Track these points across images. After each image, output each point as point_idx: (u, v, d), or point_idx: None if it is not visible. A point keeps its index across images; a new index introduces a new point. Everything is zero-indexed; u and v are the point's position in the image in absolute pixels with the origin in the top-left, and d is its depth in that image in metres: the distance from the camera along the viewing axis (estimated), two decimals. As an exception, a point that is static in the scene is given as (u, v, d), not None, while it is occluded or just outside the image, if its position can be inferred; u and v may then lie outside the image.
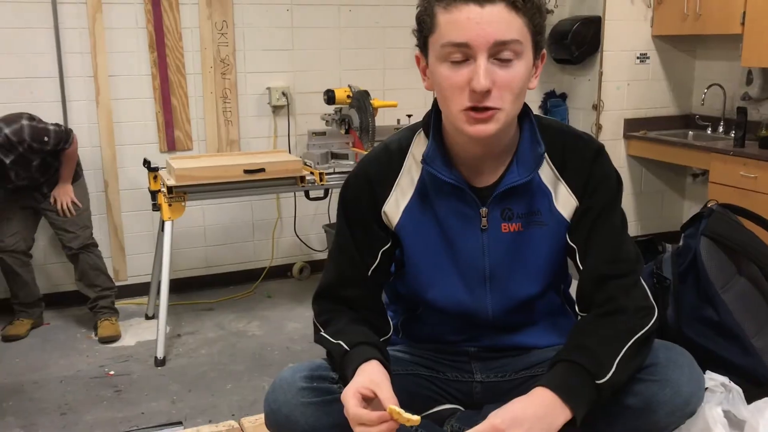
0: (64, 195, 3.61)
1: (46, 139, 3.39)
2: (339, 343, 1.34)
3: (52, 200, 3.60)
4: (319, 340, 1.42)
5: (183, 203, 3.41)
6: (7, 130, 3.28)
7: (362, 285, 1.41)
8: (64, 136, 3.48)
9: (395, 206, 1.38)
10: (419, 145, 1.42)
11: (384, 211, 1.39)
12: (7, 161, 3.33)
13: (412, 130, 1.46)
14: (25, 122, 3.34)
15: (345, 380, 1.30)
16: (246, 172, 3.46)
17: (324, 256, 4.46)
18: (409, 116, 4.05)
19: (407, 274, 1.44)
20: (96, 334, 3.66)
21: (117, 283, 4.00)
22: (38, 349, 3.56)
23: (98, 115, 3.97)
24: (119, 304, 3.95)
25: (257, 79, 4.27)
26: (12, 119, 3.34)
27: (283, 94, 4.29)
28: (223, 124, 4.25)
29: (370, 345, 1.32)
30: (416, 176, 1.39)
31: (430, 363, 1.50)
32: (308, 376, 1.35)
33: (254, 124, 4.32)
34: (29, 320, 3.75)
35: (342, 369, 1.33)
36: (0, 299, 3.88)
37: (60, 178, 3.60)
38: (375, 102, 3.80)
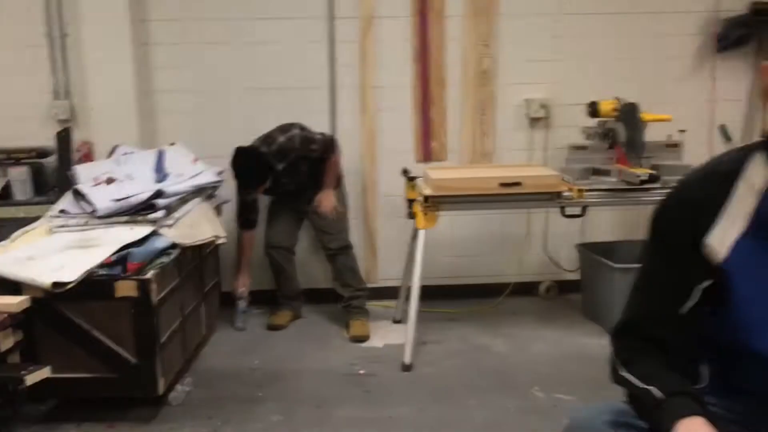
0: (327, 200, 3.83)
1: (313, 147, 3.64)
2: (649, 389, 1.18)
3: (316, 204, 3.82)
4: (619, 380, 1.27)
5: (437, 213, 3.42)
6: (281, 139, 3.57)
7: (673, 324, 1.23)
8: (329, 145, 3.70)
9: (721, 238, 1.18)
10: (756, 171, 1.20)
11: (707, 243, 1.19)
12: (280, 167, 3.61)
13: (742, 152, 1.24)
14: (296, 131, 3.62)
15: None
16: (502, 185, 3.38)
17: (574, 276, 4.23)
18: (682, 131, 3.69)
19: (730, 318, 1.23)
20: (348, 333, 3.82)
21: (369, 285, 4.15)
22: (297, 340, 3.80)
23: (362, 124, 4.15)
24: (370, 306, 4.08)
25: (516, 91, 4.18)
26: (286, 128, 3.63)
27: (542, 106, 4.15)
28: (479, 135, 4.22)
29: (690, 397, 1.14)
30: (750, 206, 1.18)
31: (751, 422, 1.27)
32: (613, 422, 1.20)
33: (510, 137, 4.24)
34: (290, 312, 4.02)
35: (654, 419, 1.16)
36: (267, 290, 4.21)
37: (323, 185, 3.82)
38: (645, 116, 3.51)
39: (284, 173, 3.68)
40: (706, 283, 1.20)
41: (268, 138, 3.64)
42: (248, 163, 3.59)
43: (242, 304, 3.94)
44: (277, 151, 3.61)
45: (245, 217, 3.85)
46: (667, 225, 1.24)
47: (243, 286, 3.95)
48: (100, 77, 3.83)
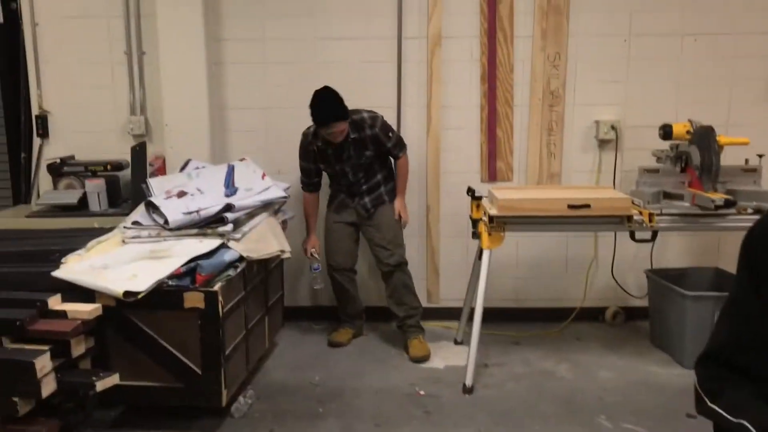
0: (403, 209, 3.88)
1: (390, 134, 3.74)
2: (741, 423, 1.11)
3: (396, 214, 3.85)
4: (707, 412, 1.20)
5: (502, 233, 3.38)
6: (365, 114, 3.68)
7: (761, 354, 1.16)
8: (402, 143, 3.82)
9: None
10: None
11: None
12: (352, 136, 3.63)
13: None
14: (380, 116, 3.72)
15: None
16: (570, 207, 3.31)
17: (642, 303, 4.10)
18: (761, 156, 3.54)
19: None
20: (408, 353, 3.78)
21: (430, 305, 4.12)
22: (357, 358, 3.79)
23: (428, 143, 4.14)
24: (430, 326, 4.06)
25: (585, 112, 4.11)
26: (371, 111, 3.75)
27: (612, 127, 4.06)
28: (545, 156, 4.16)
29: None
30: None
31: None
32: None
33: (578, 158, 4.16)
34: (352, 330, 4.02)
35: None
36: (328, 307, 4.23)
37: (397, 191, 3.88)
38: (721, 139, 3.39)
39: (354, 145, 3.66)
40: None
41: (354, 109, 3.67)
42: (329, 96, 3.53)
43: (314, 264, 3.93)
44: (358, 121, 3.64)
45: (309, 180, 3.85)
46: (758, 252, 1.17)
47: (313, 247, 3.93)
48: (175, 94, 3.94)
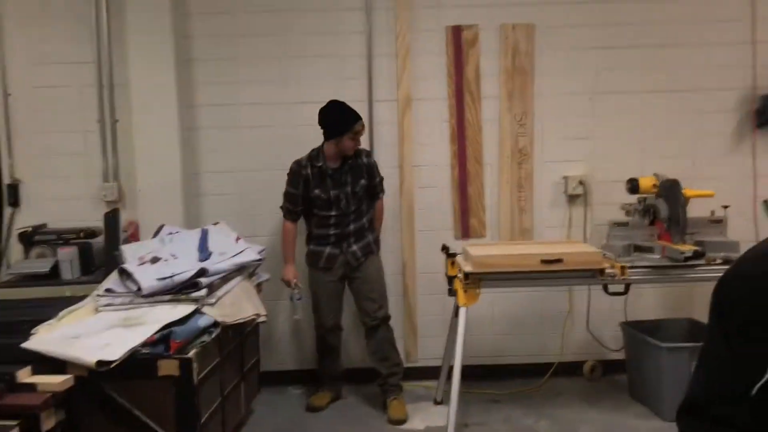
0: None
1: (379, 172, 3.86)
2: None
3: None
4: None
5: (478, 290, 3.38)
6: (364, 148, 3.86)
7: (742, 404, 1.16)
8: (382, 186, 3.91)
9: None
10: None
11: None
12: (349, 162, 3.73)
13: None
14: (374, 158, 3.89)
15: None
16: (543, 261, 3.33)
17: (619, 356, 4.10)
18: (726, 207, 3.63)
19: None
20: (387, 414, 3.72)
21: (408, 365, 4.08)
22: (336, 421, 3.72)
23: (401, 201, 4.18)
24: (410, 386, 4.00)
25: (554, 168, 4.20)
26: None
27: (581, 182, 4.15)
28: (517, 212, 4.22)
29: None
30: None
31: None
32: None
33: (548, 213, 4.23)
34: (331, 393, 3.96)
35: None
36: (306, 370, 4.16)
37: (373, 229, 3.94)
38: (687, 192, 3.47)
39: (351, 172, 3.74)
40: None
41: None
42: (341, 103, 3.69)
43: (296, 294, 3.83)
44: (358, 150, 3.78)
45: (295, 207, 3.80)
46: (728, 300, 1.19)
47: (294, 277, 3.83)
48: (148, 160, 3.95)
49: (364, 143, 3.98)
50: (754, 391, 1.13)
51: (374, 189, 3.86)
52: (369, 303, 3.80)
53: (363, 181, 3.75)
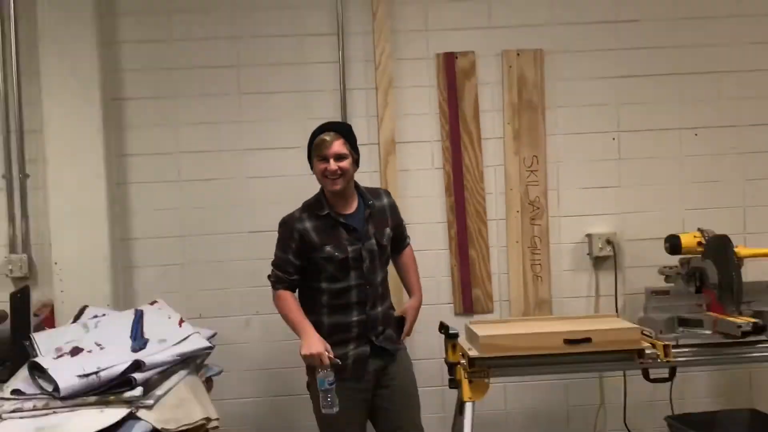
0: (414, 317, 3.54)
1: (401, 217, 3.56)
2: None
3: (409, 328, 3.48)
4: None
5: (487, 380, 3.36)
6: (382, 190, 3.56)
7: None
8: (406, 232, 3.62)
9: None
10: None
11: None
12: (369, 203, 3.35)
13: None
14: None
15: None
16: (567, 342, 3.32)
17: (667, 459, 4.07)
18: (789, 269, 3.67)
19: None
20: None
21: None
22: None
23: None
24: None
25: (574, 225, 4.25)
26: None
27: (608, 242, 4.18)
28: (531, 280, 4.23)
29: None
30: None
31: None
32: None
33: (570, 281, 4.26)
34: None
35: None
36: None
37: (415, 290, 3.58)
38: (740, 250, 3.51)
39: (372, 218, 3.33)
40: None
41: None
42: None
43: (330, 378, 3.10)
44: (372, 189, 3.49)
45: (289, 276, 3.30)
46: None
47: (326, 350, 3.12)
48: (67, 225, 3.94)
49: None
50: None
51: (401, 236, 3.55)
52: (396, 428, 3.38)
53: (388, 231, 3.38)
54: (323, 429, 3.33)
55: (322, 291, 3.28)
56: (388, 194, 3.53)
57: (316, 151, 3.24)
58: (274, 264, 3.36)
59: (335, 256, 3.22)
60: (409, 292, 3.64)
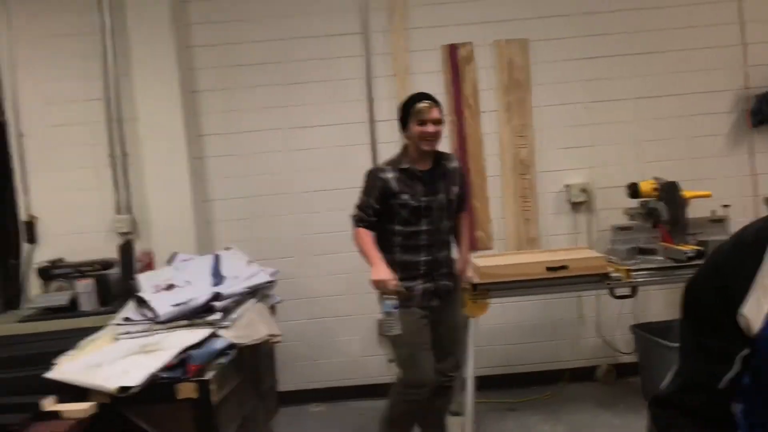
0: (469, 269, 3.39)
1: (467, 181, 3.31)
2: None
3: (459, 270, 3.29)
4: None
5: (487, 300, 3.44)
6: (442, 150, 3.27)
7: (712, 397, 1.19)
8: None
9: (756, 308, 1.15)
10: None
11: (742, 313, 1.17)
12: (443, 163, 3.20)
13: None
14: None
15: None
16: (549, 269, 3.39)
17: (632, 359, 4.14)
18: (726, 206, 3.67)
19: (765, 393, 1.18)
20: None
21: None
22: (354, 437, 3.75)
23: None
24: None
25: (556, 178, 4.26)
26: None
27: (583, 190, 4.20)
28: (522, 222, 4.27)
29: None
30: None
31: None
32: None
33: (554, 222, 4.28)
34: None
35: None
36: (325, 388, 4.21)
37: (465, 248, 3.38)
38: (685, 193, 3.53)
39: (444, 175, 3.17)
40: (745, 352, 1.17)
41: None
42: (408, 97, 3.19)
43: (395, 302, 2.99)
44: (445, 153, 3.30)
45: (366, 217, 3.13)
46: (701, 295, 1.23)
47: (394, 278, 3.00)
48: (159, 191, 4.05)
49: (367, 167, 4.03)
50: (722, 384, 1.17)
51: (463, 198, 3.32)
52: (446, 356, 3.23)
53: (455, 189, 3.19)
54: (405, 364, 3.15)
55: (397, 233, 3.12)
56: (458, 161, 3.33)
57: (417, 116, 3.04)
58: (357, 205, 3.18)
59: (410, 203, 3.07)
60: (459, 248, 3.39)
